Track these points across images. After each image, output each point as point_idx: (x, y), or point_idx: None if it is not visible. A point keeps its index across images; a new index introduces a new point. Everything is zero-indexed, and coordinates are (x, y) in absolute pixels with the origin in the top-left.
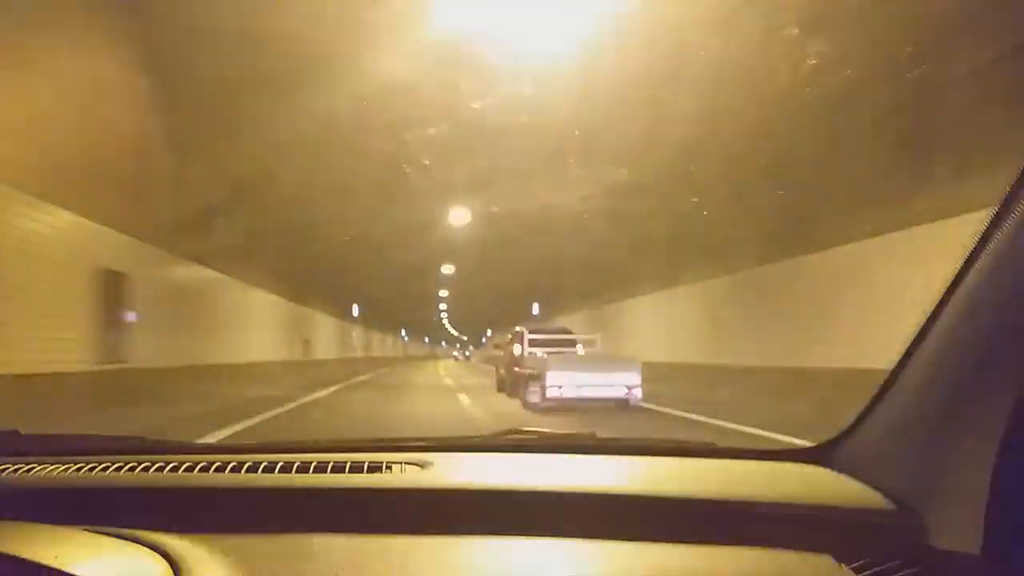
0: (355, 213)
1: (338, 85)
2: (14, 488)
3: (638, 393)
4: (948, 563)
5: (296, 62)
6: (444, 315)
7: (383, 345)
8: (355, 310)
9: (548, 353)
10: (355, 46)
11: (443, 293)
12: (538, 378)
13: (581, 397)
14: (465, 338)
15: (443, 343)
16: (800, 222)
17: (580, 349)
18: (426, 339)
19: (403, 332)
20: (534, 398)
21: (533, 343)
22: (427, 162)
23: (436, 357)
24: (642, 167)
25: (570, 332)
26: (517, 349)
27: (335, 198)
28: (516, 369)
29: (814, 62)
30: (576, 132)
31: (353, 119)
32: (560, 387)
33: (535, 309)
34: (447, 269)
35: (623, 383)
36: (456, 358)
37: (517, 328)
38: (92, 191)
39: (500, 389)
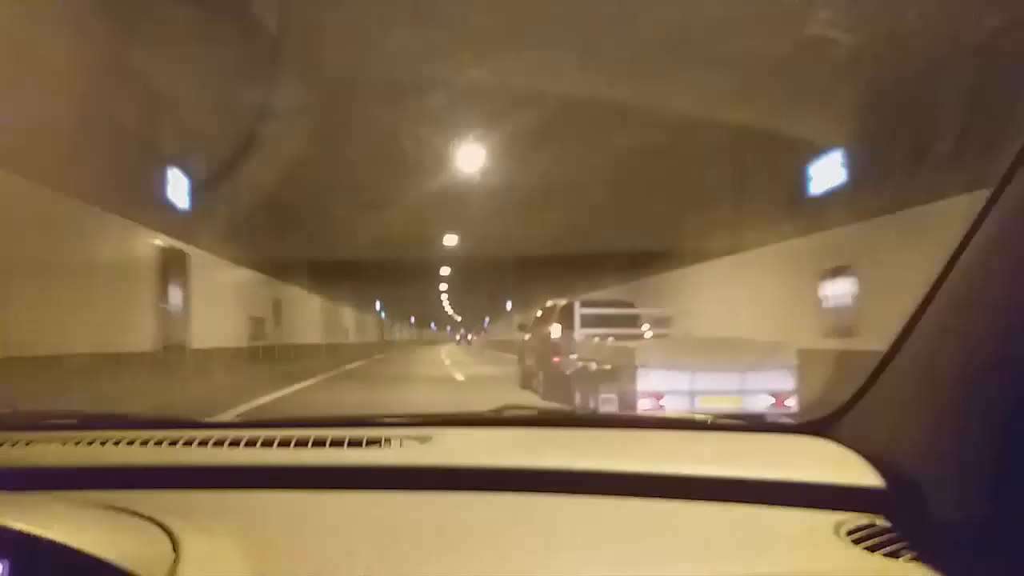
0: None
1: None
2: (12, 463)
3: (792, 404)
4: (949, 536)
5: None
6: (446, 302)
7: (391, 331)
8: (377, 305)
9: (623, 337)
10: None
11: (443, 287)
12: (618, 378)
13: (696, 410)
14: (459, 319)
15: (447, 328)
16: None
17: (648, 332)
18: (432, 325)
19: (411, 319)
20: (610, 407)
21: (586, 321)
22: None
23: (439, 342)
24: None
25: (631, 305)
26: (557, 331)
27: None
28: (557, 360)
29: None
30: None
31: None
32: (661, 393)
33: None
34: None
35: (767, 387)
36: (457, 342)
37: (553, 302)
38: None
39: (525, 386)
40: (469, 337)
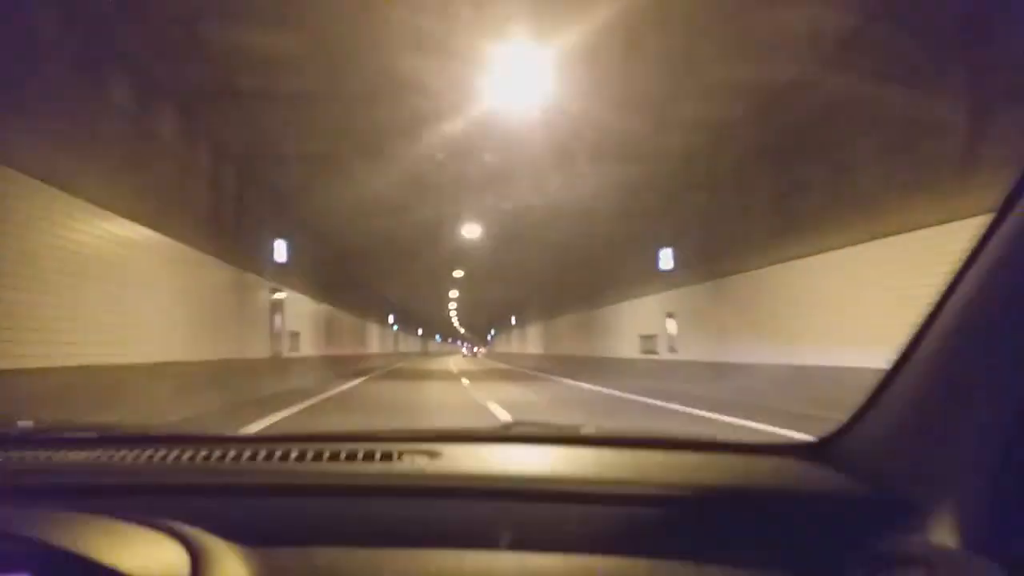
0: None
1: None
2: (32, 477)
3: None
4: (949, 560)
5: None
6: (454, 314)
7: (406, 343)
8: (391, 319)
9: None
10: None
11: (453, 294)
12: None
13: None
14: (462, 330)
15: (458, 341)
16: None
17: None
18: (440, 337)
19: (420, 331)
20: None
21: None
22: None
23: (447, 354)
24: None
25: None
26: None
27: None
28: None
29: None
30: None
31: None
32: None
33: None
34: (458, 273)
35: None
36: (464, 354)
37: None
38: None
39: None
40: (475, 350)
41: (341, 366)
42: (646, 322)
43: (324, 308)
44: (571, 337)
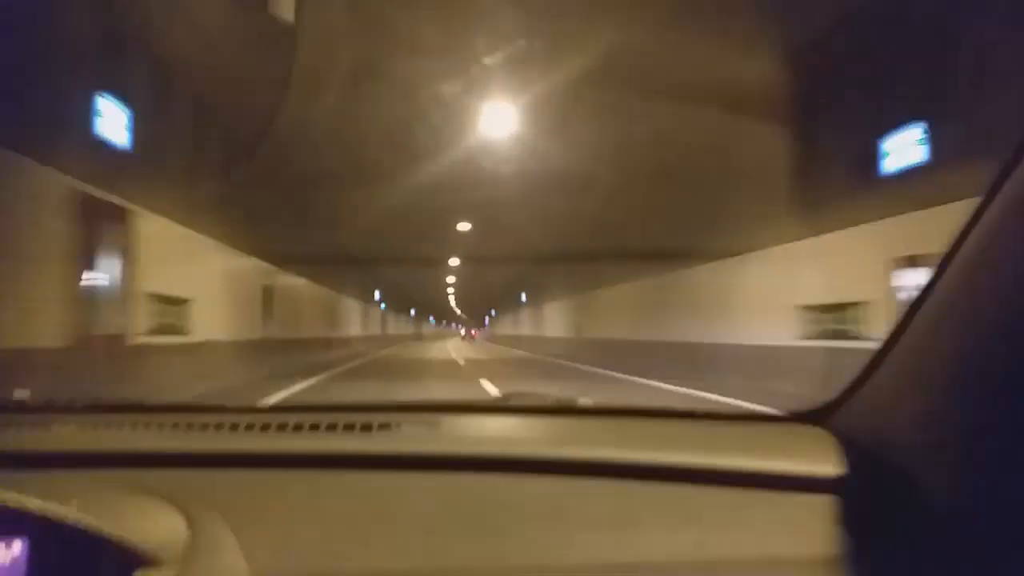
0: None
1: None
2: (29, 446)
3: None
4: (943, 527)
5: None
6: (452, 297)
7: (408, 325)
8: (381, 299)
9: None
10: None
11: (451, 279)
12: None
13: None
14: (459, 313)
15: (454, 325)
16: None
17: None
18: (433, 319)
19: (414, 313)
20: None
21: None
22: None
23: (444, 337)
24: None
25: None
26: None
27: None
28: None
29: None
30: None
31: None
32: None
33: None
34: (454, 262)
35: None
36: (462, 336)
37: None
38: None
39: None
40: (473, 332)
41: (295, 354)
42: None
43: (257, 266)
44: (622, 313)
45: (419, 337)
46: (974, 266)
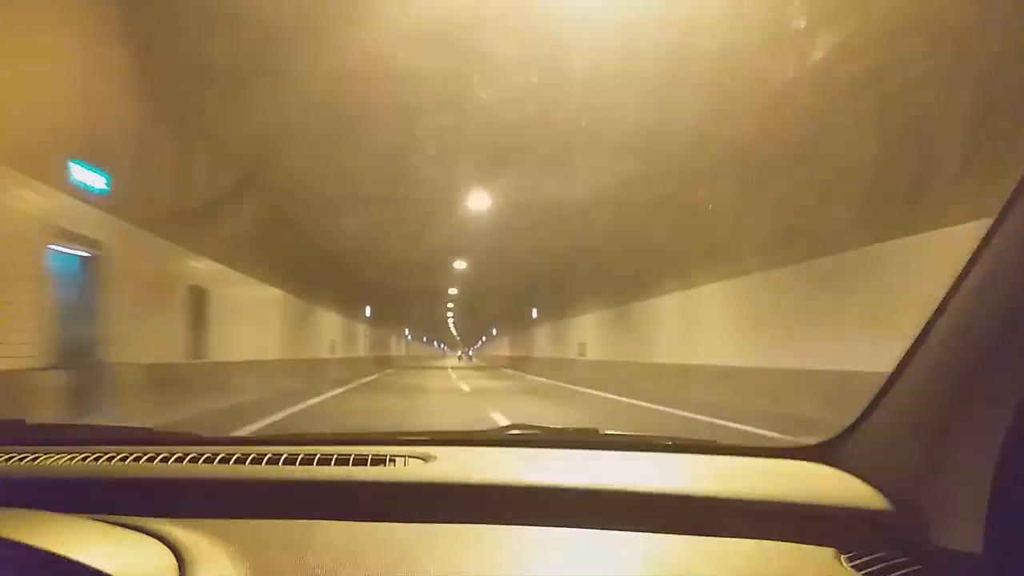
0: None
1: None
2: (19, 477)
3: None
4: (949, 562)
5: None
6: (450, 319)
7: (408, 347)
8: (370, 316)
9: None
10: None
11: (450, 305)
12: None
13: None
14: (458, 337)
15: (450, 347)
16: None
17: None
18: (436, 344)
19: (408, 334)
20: None
21: None
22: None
23: (444, 356)
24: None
25: None
26: None
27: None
28: None
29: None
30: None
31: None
32: None
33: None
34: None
35: None
36: (460, 358)
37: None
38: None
39: None
40: (470, 354)
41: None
42: None
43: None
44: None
45: (426, 356)
46: (976, 303)
